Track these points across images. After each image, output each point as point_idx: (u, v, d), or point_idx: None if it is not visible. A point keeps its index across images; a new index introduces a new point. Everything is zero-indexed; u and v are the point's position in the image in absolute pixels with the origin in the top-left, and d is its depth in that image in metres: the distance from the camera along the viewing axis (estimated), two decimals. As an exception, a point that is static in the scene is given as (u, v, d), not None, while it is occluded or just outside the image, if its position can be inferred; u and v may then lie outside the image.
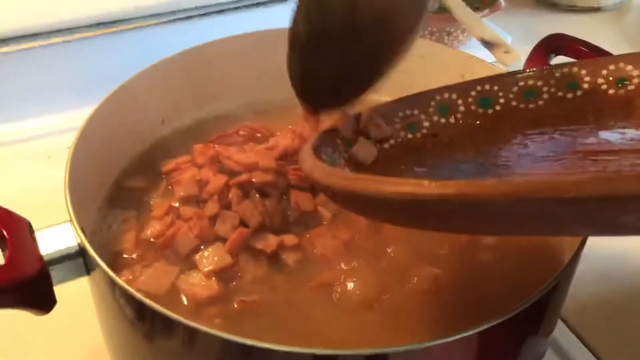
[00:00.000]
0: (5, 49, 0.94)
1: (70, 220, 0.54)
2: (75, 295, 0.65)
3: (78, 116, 0.65)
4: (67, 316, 0.74)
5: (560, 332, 0.75)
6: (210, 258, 0.60)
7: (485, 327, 0.47)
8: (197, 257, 0.60)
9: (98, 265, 0.50)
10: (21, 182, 0.91)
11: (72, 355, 0.72)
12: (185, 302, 0.58)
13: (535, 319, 0.55)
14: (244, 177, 0.64)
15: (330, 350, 0.46)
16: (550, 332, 0.62)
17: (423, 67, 0.77)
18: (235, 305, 0.57)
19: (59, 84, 1.00)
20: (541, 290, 0.50)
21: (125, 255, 0.61)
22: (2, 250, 0.52)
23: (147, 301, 0.47)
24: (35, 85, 0.99)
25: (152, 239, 0.62)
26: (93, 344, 0.70)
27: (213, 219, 0.62)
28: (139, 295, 0.48)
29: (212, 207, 0.62)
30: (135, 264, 0.60)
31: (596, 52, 0.68)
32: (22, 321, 0.74)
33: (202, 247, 0.61)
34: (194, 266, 0.60)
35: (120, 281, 0.49)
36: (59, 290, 0.55)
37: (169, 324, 0.48)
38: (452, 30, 1.09)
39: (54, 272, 0.53)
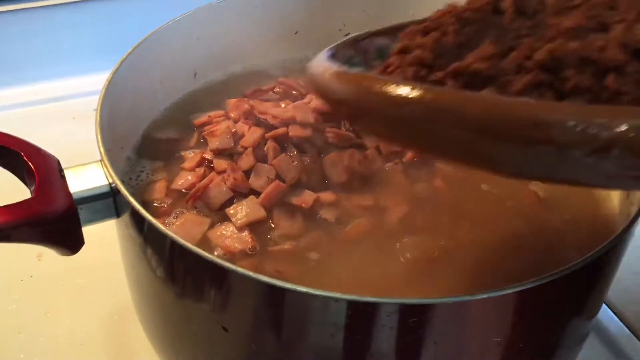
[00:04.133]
0: (32, 4, 0.92)
1: (101, 160, 0.51)
2: (99, 256, 0.64)
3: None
4: (91, 277, 0.73)
5: (603, 314, 0.72)
6: (243, 211, 0.57)
7: (530, 286, 0.43)
8: (230, 209, 0.57)
9: (129, 204, 0.48)
10: (45, 141, 0.89)
11: (98, 313, 0.70)
12: (217, 255, 0.55)
13: (585, 287, 0.52)
14: (281, 130, 0.61)
15: (368, 298, 0.42)
16: (595, 314, 0.58)
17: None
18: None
19: (87, 44, 0.98)
20: (593, 253, 0.46)
21: (155, 204, 0.59)
22: (30, 185, 0.50)
23: (181, 240, 0.44)
24: (63, 45, 0.97)
25: (183, 190, 0.60)
26: (119, 302, 0.68)
27: (247, 173, 0.59)
28: (172, 234, 0.45)
29: (247, 160, 0.60)
30: (166, 214, 0.58)
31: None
32: (47, 279, 0.73)
33: (234, 200, 0.58)
34: (225, 219, 0.57)
35: (151, 218, 0.46)
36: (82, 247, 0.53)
37: (204, 267, 0.45)
38: None
39: (83, 212, 0.50)
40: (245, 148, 0.61)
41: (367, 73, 0.48)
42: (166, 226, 0.56)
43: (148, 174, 0.62)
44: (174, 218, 0.57)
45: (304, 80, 0.52)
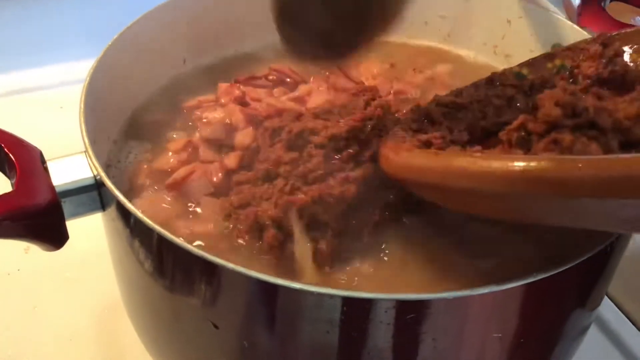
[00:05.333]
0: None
1: (86, 151, 0.49)
2: (88, 249, 0.63)
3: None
4: (80, 271, 0.71)
5: (603, 304, 0.70)
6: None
7: (532, 280, 0.42)
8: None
9: (115, 197, 0.46)
10: (32, 130, 0.87)
11: (87, 307, 0.69)
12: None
13: (588, 279, 0.50)
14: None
15: (364, 294, 0.41)
16: (597, 306, 0.57)
17: (465, 12, 0.72)
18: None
19: (75, 32, 0.96)
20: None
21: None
22: (11, 178, 0.48)
23: (169, 235, 0.43)
24: (50, 31, 0.95)
25: (169, 170, 0.57)
26: (109, 296, 0.66)
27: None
28: (159, 228, 0.43)
29: (233, 159, 0.57)
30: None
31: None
32: (35, 273, 0.72)
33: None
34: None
35: (138, 212, 0.44)
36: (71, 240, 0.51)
37: (192, 262, 0.43)
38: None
39: (66, 205, 0.48)
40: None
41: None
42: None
43: (136, 154, 0.60)
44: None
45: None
